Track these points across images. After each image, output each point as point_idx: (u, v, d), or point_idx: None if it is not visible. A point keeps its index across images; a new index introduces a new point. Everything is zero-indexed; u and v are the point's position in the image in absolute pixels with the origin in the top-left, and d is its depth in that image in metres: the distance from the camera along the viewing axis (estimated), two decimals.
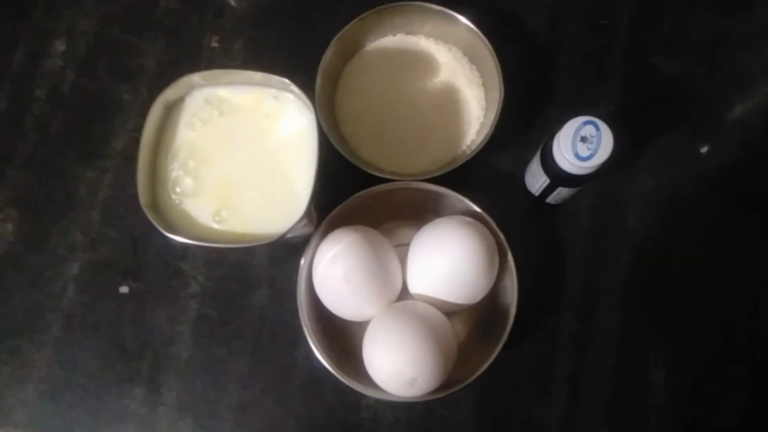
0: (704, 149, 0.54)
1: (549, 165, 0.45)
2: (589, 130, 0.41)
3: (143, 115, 0.56)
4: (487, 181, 0.54)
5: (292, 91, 0.41)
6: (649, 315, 0.51)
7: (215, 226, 0.40)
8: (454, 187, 0.47)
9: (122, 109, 0.57)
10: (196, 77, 0.41)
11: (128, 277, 0.54)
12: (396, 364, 0.43)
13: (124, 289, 0.54)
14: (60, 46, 0.59)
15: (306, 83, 0.51)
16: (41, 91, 0.58)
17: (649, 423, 0.49)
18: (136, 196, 0.54)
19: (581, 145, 0.41)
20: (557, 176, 0.45)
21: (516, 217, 0.52)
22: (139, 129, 0.56)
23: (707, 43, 0.55)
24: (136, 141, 0.55)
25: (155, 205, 0.40)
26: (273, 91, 0.42)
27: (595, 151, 0.41)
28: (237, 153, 0.41)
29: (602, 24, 0.56)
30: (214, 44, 0.58)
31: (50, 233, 0.55)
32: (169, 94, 0.41)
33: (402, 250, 0.50)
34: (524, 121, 0.54)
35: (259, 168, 0.40)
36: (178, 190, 0.40)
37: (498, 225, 0.47)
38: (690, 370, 0.50)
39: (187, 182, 0.40)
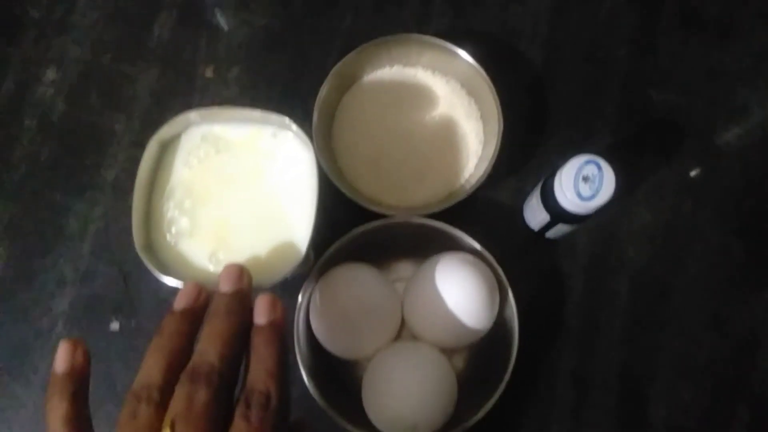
0: (694, 172, 0.53)
1: (550, 203, 0.44)
2: (590, 170, 0.41)
3: (136, 145, 0.56)
4: (485, 214, 0.53)
5: (291, 129, 0.40)
6: (649, 351, 0.50)
7: (211, 268, 0.39)
8: (451, 221, 0.46)
9: (114, 140, 0.56)
10: (192, 115, 0.40)
11: (119, 313, 0.53)
12: (396, 410, 0.42)
13: (114, 326, 0.52)
14: (50, 74, 0.58)
15: (302, 114, 0.51)
16: (31, 121, 0.57)
17: None
18: (128, 228, 0.53)
19: (583, 184, 0.41)
20: (558, 214, 0.44)
21: (514, 251, 0.52)
22: (131, 160, 0.56)
23: (703, 75, 0.56)
24: (128, 172, 0.55)
25: (149, 246, 0.39)
26: (271, 128, 0.41)
27: (597, 191, 0.41)
28: (234, 192, 0.40)
29: (599, 57, 0.56)
30: (209, 74, 0.57)
31: (39, 267, 0.54)
32: (165, 131, 0.40)
33: (400, 285, 0.50)
34: (522, 154, 0.54)
35: (256, 208, 0.39)
36: (173, 230, 0.39)
37: (497, 261, 0.46)
38: (691, 409, 0.49)
39: (183, 222, 0.39)
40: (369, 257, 0.48)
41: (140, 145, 0.41)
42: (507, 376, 0.44)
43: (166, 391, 0.27)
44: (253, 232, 0.39)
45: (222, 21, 0.58)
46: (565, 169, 0.41)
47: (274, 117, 0.40)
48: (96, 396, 0.52)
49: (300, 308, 0.46)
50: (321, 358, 0.46)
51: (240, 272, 0.32)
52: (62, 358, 0.29)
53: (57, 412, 0.27)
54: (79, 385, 0.29)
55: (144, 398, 0.26)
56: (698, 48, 0.56)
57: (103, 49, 0.58)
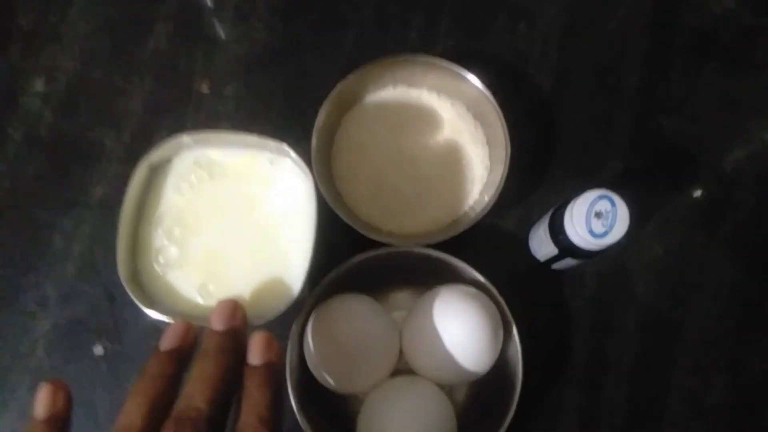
0: (697, 193, 0.52)
1: (559, 237, 0.42)
2: (604, 206, 0.39)
3: (126, 162, 0.53)
4: (488, 243, 0.51)
5: (289, 156, 0.38)
6: (658, 391, 0.48)
7: (201, 301, 0.37)
8: (453, 249, 0.44)
9: (104, 155, 0.54)
10: (185, 138, 0.38)
11: (104, 336, 0.50)
12: None
13: (98, 350, 0.50)
14: (38, 85, 0.55)
15: (300, 134, 0.49)
16: (16, 133, 0.54)
17: None
18: (115, 250, 0.51)
19: (596, 221, 0.39)
20: (567, 249, 0.42)
21: (518, 282, 0.50)
22: (121, 177, 0.53)
23: (716, 105, 0.54)
24: (117, 190, 0.52)
25: (135, 276, 0.37)
26: (268, 154, 0.39)
27: (610, 228, 0.39)
28: (227, 221, 0.38)
29: (610, 83, 0.54)
30: (205, 89, 0.55)
31: (20, 286, 0.51)
32: (156, 155, 0.38)
33: (398, 315, 0.48)
34: (528, 181, 0.52)
35: (250, 239, 0.37)
36: (161, 260, 0.37)
37: (501, 294, 0.44)
38: None
39: (172, 252, 0.37)
40: (365, 286, 0.46)
41: (131, 162, 0.39)
42: (510, 417, 0.42)
43: None
44: (247, 265, 0.37)
45: (221, 33, 0.56)
46: (576, 204, 0.39)
47: (272, 143, 0.38)
48: (77, 424, 0.50)
49: (293, 338, 0.43)
50: (313, 390, 0.44)
51: (234, 309, 0.30)
52: (42, 402, 0.27)
53: None
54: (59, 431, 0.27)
55: None
56: (712, 76, 0.54)
57: (94, 61, 0.56)
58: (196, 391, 0.26)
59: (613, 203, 0.39)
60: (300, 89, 0.55)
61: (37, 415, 0.27)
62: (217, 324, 0.29)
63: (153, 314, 0.36)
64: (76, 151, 0.54)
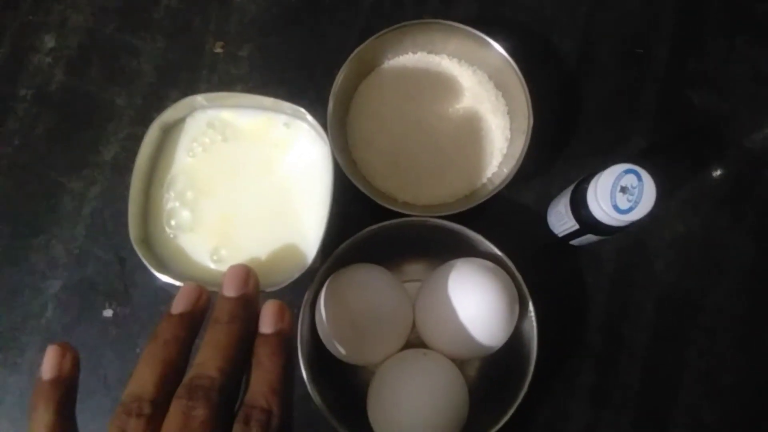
0: (717, 173, 0.50)
1: (581, 212, 0.41)
2: (630, 180, 0.38)
3: (137, 123, 0.52)
4: (506, 217, 0.50)
5: (305, 120, 0.36)
6: (672, 371, 0.47)
7: (212, 266, 0.36)
8: (470, 222, 0.43)
9: (114, 116, 0.53)
10: (199, 98, 0.37)
11: (113, 299, 0.50)
12: (403, 423, 0.39)
13: (108, 313, 0.50)
14: (49, 41, 0.54)
15: (315, 99, 0.47)
16: (26, 91, 0.53)
17: None
18: (125, 212, 0.51)
19: (621, 196, 0.37)
20: (589, 224, 0.41)
21: (535, 257, 0.49)
22: (132, 138, 0.52)
23: (748, 79, 0.52)
24: (128, 151, 0.52)
25: (146, 239, 0.36)
26: (284, 117, 0.37)
27: (636, 203, 0.37)
28: (241, 185, 0.37)
29: (638, 53, 0.52)
30: (218, 50, 0.53)
31: (30, 247, 0.51)
32: (168, 115, 0.36)
33: (411, 286, 0.47)
34: (549, 154, 0.50)
35: (264, 203, 0.36)
36: (173, 223, 0.36)
37: (518, 268, 0.43)
38: None
39: (184, 215, 0.36)
40: (379, 256, 0.45)
41: (142, 123, 0.38)
42: (522, 393, 0.41)
43: (158, 404, 0.25)
44: (260, 230, 0.36)
45: None
46: (601, 177, 0.38)
47: (288, 105, 0.36)
48: (86, 386, 0.50)
49: (305, 306, 0.43)
50: (324, 360, 0.43)
51: (246, 274, 0.29)
52: (49, 364, 0.27)
53: (41, 422, 0.25)
54: (65, 393, 0.27)
55: (134, 412, 0.24)
56: (745, 50, 0.52)
57: (106, 18, 0.54)
58: (208, 359, 0.26)
59: (639, 178, 0.37)
60: (315, 53, 0.53)
61: (44, 375, 0.27)
62: (229, 290, 0.29)
63: (164, 278, 0.35)
64: (87, 111, 0.53)
